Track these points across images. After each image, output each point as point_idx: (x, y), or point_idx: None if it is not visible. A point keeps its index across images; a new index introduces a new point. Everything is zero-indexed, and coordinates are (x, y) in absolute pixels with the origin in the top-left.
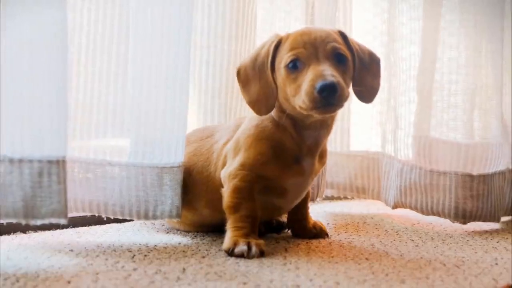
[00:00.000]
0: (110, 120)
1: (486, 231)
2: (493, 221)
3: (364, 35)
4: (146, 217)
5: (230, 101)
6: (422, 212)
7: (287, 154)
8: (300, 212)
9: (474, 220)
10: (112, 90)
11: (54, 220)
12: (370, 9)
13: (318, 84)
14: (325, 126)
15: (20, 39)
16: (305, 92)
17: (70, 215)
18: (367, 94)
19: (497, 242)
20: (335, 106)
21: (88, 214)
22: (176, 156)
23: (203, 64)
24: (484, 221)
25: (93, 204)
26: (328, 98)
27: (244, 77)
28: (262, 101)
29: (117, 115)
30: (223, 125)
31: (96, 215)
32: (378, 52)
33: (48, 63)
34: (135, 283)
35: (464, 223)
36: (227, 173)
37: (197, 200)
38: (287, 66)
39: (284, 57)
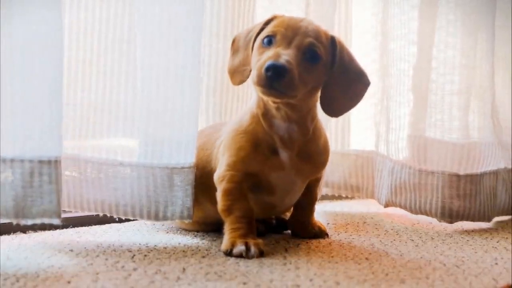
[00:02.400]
0: (121, 119)
1: (486, 231)
2: (482, 221)
3: (363, 34)
4: (156, 218)
5: (225, 100)
6: (411, 211)
7: (263, 145)
8: (303, 213)
9: (461, 219)
10: (122, 89)
11: (46, 220)
12: (369, 8)
13: (268, 62)
14: (293, 121)
15: (12, 39)
16: (256, 66)
17: (72, 215)
18: (334, 107)
19: (497, 242)
20: (279, 92)
21: (101, 214)
22: (187, 157)
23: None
24: (472, 220)
25: (105, 204)
26: (272, 80)
27: (236, 46)
28: (239, 71)
29: (128, 114)
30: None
31: (108, 215)
32: (377, 52)
33: (41, 63)
34: (135, 283)
35: (451, 222)
36: (217, 176)
37: (201, 194)
38: (262, 39)
39: (264, 32)
